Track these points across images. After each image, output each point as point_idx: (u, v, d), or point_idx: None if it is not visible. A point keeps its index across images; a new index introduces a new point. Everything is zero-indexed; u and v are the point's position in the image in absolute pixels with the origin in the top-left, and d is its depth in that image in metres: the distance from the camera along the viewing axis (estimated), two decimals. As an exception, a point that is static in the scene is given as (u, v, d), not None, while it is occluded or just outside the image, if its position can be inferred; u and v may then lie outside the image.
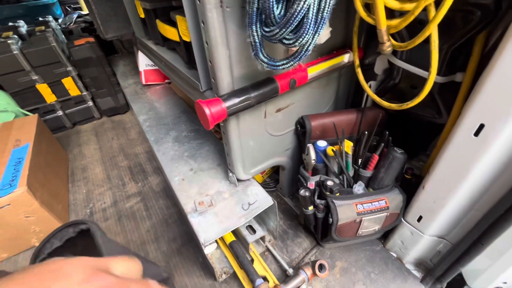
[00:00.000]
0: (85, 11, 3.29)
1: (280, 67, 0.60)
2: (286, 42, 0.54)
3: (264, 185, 1.41)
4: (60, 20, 2.68)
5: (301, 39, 0.52)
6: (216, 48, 0.66)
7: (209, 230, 0.89)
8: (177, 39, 0.98)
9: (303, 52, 0.57)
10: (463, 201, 0.78)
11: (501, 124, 0.60)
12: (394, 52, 0.86)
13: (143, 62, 1.77)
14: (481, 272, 0.88)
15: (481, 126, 0.63)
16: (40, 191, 1.20)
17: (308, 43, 0.54)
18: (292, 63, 0.59)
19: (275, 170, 1.46)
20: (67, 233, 0.40)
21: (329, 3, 0.50)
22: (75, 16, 2.68)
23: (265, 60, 0.60)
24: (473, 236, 0.78)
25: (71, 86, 1.90)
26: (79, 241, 0.40)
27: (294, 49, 0.59)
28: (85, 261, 0.28)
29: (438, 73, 0.77)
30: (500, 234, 0.73)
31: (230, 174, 1.02)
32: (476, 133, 0.64)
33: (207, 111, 0.66)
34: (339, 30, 0.92)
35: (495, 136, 0.62)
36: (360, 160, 0.98)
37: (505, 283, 0.88)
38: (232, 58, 0.70)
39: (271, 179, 1.44)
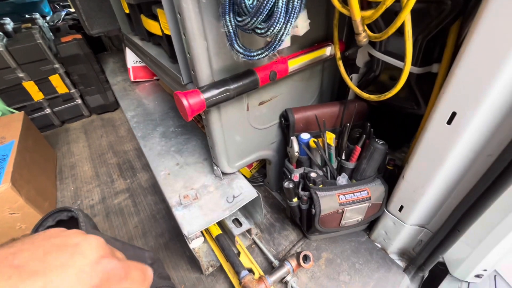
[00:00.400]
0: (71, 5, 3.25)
1: (256, 57, 0.61)
2: (259, 31, 0.55)
3: (252, 179, 1.42)
4: (48, 18, 2.64)
5: (272, 28, 0.53)
6: (194, 39, 0.67)
7: (193, 222, 0.90)
8: (159, 33, 0.98)
9: (276, 42, 0.57)
10: (440, 190, 0.80)
11: (472, 112, 0.61)
12: (373, 44, 0.87)
13: (131, 58, 1.76)
14: (462, 260, 0.91)
15: (453, 114, 0.64)
16: (26, 188, 1.19)
17: (281, 32, 0.55)
18: (267, 53, 0.60)
19: (263, 165, 1.47)
20: (61, 215, 0.44)
21: (299, -7, 0.51)
22: (63, 13, 2.65)
23: (240, 50, 0.61)
24: (450, 223, 0.80)
25: (58, 83, 1.89)
26: (72, 226, 0.42)
27: (269, 39, 0.59)
28: (99, 241, 0.29)
29: (415, 64, 0.78)
30: (475, 220, 0.75)
31: (215, 167, 1.03)
32: (449, 122, 0.66)
33: (185, 102, 0.66)
34: (320, 23, 0.93)
35: (466, 124, 0.63)
36: (343, 152, 0.99)
37: (485, 270, 0.91)
38: (210, 50, 0.70)
39: (259, 174, 1.45)
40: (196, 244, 1.11)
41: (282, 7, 0.50)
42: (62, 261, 0.25)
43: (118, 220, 1.31)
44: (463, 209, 0.74)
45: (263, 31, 0.54)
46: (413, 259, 1.03)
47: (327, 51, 0.96)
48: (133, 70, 1.80)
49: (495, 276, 1.03)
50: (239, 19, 0.55)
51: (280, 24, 0.52)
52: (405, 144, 1.14)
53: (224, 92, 0.72)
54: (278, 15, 0.51)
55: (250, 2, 0.53)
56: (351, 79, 0.98)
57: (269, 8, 0.50)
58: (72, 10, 2.95)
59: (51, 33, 2.19)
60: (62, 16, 2.57)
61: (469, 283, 0.98)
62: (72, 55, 1.81)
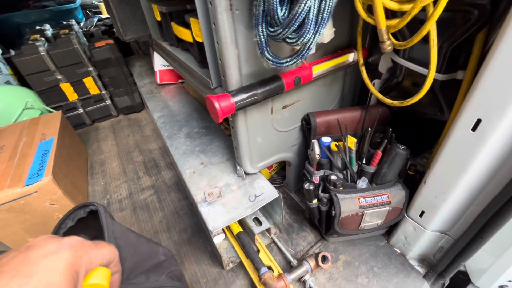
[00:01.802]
0: (105, 15, 3.46)
1: (284, 64, 0.65)
2: (289, 41, 0.59)
3: (271, 181, 1.46)
4: (82, 24, 2.83)
5: (302, 38, 0.57)
6: (226, 47, 0.72)
7: (217, 219, 0.95)
8: (190, 40, 1.05)
9: (305, 50, 0.61)
10: (463, 196, 0.80)
11: (497, 119, 0.62)
12: (397, 51, 0.89)
13: (158, 62, 1.86)
14: (485, 270, 0.89)
15: (478, 121, 0.65)
16: (64, 181, 1.29)
17: (310, 42, 0.59)
18: (295, 60, 0.64)
19: (282, 167, 1.50)
20: (78, 214, 0.45)
21: (329, 5, 0.54)
22: (95, 19, 2.83)
23: (270, 58, 0.65)
24: (473, 230, 0.79)
25: (91, 85, 2.02)
26: (91, 222, 0.46)
27: (297, 47, 0.63)
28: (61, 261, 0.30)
29: (439, 71, 0.79)
30: (499, 227, 0.74)
31: (238, 167, 1.07)
32: (474, 128, 0.67)
33: (216, 105, 0.72)
34: (344, 30, 0.96)
35: (491, 131, 0.64)
36: (363, 156, 1.01)
37: (510, 281, 0.89)
38: (240, 57, 0.76)
39: (278, 175, 1.48)
40: (217, 241, 1.16)
41: (312, 19, 0.54)
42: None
43: (144, 215, 1.39)
44: (487, 216, 0.74)
45: (294, 40, 0.58)
46: (433, 265, 1.02)
47: (350, 57, 0.98)
48: (160, 73, 1.90)
49: (521, 288, 1.00)
50: (271, 29, 0.59)
51: (310, 34, 0.56)
52: (426, 150, 1.14)
53: (252, 96, 0.77)
54: (309, 26, 0.55)
55: (282, 14, 0.57)
56: (373, 85, 0.99)
57: (301, 20, 0.54)
58: (103, 16, 3.14)
59: (84, 38, 2.35)
60: (95, 22, 2.75)
61: (493, 293, 0.96)
62: (104, 59, 1.93)
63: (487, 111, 0.63)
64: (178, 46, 1.33)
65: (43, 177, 1.18)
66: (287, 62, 0.64)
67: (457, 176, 0.76)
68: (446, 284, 1.02)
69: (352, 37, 0.99)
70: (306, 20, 0.54)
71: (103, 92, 2.11)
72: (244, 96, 0.76)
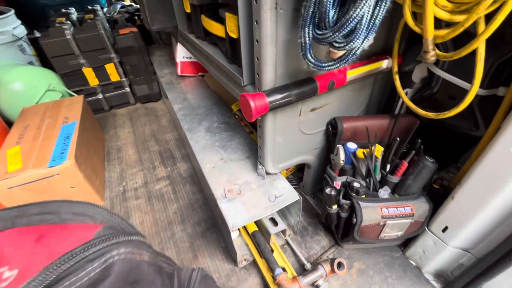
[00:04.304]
0: (127, 2, 3.46)
1: (326, 68, 0.64)
2: (336, 45, 0.58)
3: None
4: (105, 10, 2.85)
5: (351, 44, 0.55)
6: (266, 46, 0.71)
7: (237, 216, 0.95)
8: (222, 34, 1.04)
9: (350, 55, 0.60)
10: (493, 216, 0.78)
11: (544, 141, 0.60)
12: (436, 62, 0.87)
13: (181, 54, 1.86)
14: (504, 291, 0.87)
15: (522, 141, 0.63)
16: (84, 165, 1.31)
17: (357, 47, 0.58)
18: (338, 65, 0.63)
19: (299, 168, 1.49)
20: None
21: (382, 12, 0.53)
22: (118, 6, 2.85)
23: (312, 60, 0.64)
24: (501, 251, 0.78)
25: (112, 71, 2.04)
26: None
27: (340, 52, 0.62)
28: None
29: (481, 86, 0.77)
30: (530, 252, 0.72)
31: (260, 166, 1.07)
32: (516, 148, 0.65)
33: (252, 104, 0.71)
34: (381, 36, 0.94)
35: (535, 153, 0.62)
36: (388, 166, 0.99)
37: (529, 305, 0.87)
38: (278, 56, 0.75)
39: (294, 177, 1.47)
40: (232, 237, 1.16)
41: (365, 24, 0.53)
42: None
43: (159, 205, 1.40)
44: (518, 239, 0.72)
45: (342, 45, 0.57)
46: (450, 282, 1.00)
47: (384, 64, 0.96)
48: (182, 65, 1.90)
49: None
50: (319, 32, 0.58)
51: (359, 40, 0.55)
52: (452, 164, 1.11)
53: (287, 97, 0.76)
54: (360, 32, 0.54)
55: (332, 16, 0.56)
56: (406, 94, 0.97)
57: (353, 25, 0.53)
58: (126, 3, 3.15)
59: (108, 24, 2.37)
60: (118, 9, 2.77)
61: (509, 315, 0.94)
62: (127, 46, 1.94)
63: (534, 132, 0.61)
64: (205, 40, 1.33)
65: (66, 160, 1.19)
66: (329, 66, 0.63)
67: (490, 195, 0.74)
68: (462, 302, 1.00)
69: (387, 43, 0.97)
70: (358, 26, 0.53)
71: (123, 79, 2.13)
72: (278, 96, 0.75)
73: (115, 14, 2.63)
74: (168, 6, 1.46)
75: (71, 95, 1.95)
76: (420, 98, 0.99)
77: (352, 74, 0.89)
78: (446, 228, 0.91)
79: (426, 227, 0.98)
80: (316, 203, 1.35)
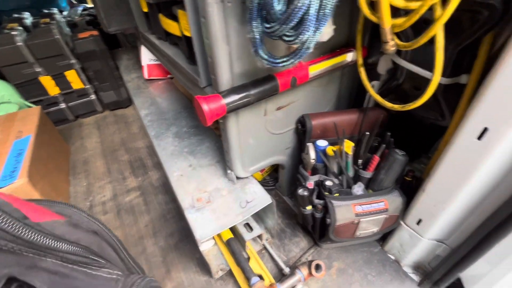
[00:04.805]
0: (91, 4, 3.29)
1: (280, 65, 0.59)
2: (287, 39, 0.53)
3: (263, 183, 1.41)
4: (65, 13, 2.68)
5: (301, 36, 0.51)
6: (216, 44, 0.65)
7: (205, 226, 0.89)
8: (178, 33, 0.97)
9: (303, 49, 0.56)
10: (464, 206, 0.77)
11: (506, 129, 0.58)
12: (398, 52, 0.84)
13: (146, 56, 1.77)
14: (480, 278, 0.87)
15: (485, 130, 0.62)
16: (41, 183, 1.20)
17: (309, 40, 0.53)
18: (292, 60, 0.58)
19: (275, 169, 1.45)
20: None
21: (331, 1, 0.49)
22: (80, 8, 2.68)
23: (265, 57, 0.59)
24: (473, 241, 0.77)
25: (74, 79, 1.91)
26: None
27: (295, 46, 0.58)
28: None
29: (443, 75, 0.75)
30: (500, 240, 0.71)
31: (229, 171, 1.02)
32: (480, 137, 0.63)
33: (205, 107, 0.65)
34: (343, 28, 0.90)
35: (499, 141, 0.60)
36: (360, 161, 0.97)
37: (504, 290, 0.87)
38: (232, 55, 0.69)
39: (271, 177, 1.43)
40: (205, 247, 1.11)
41: (313, 14, 0.49)
42: None
43: (129, 218, 1.31)
44: (487, 229, 0.71)
45: (292, 38, 0.52)
46: (428, 273, 0.99)
47: (348, 57, 0.93)
48: (148, 68, 1.80)
49: (513, 295, 0.99)
50: (267, 25, 0.53)
51: (309, 32, 0.50)
52: (423, 155, 1.11)
53: (245, 98, 0.71)
54: (309, 23, 0.49)
55: (280, 8, 0.51)
56: (372, 87, 0.95)
57: (300, 16, 0.48)
58: (89, 5, 2.98)
59: (68, 28, 2.22)
60: (79, 12, 2.60)
61: (486, 301, 0.94)
62: (88, 51, 1.82)
63: (495, 120, 0.59)
64: (167, 40, 1.25)
65: (17, 179, 1.09)
66: (283, 62, 0.59)
67: (458, 186, 0.73)
68: (440, 293, 1.00)
69: (350, 35, 0.94)
70: (305, 16, 0.48)
71: (87, 86, 2.00)
72: (236, 97, 0.70)
73: (77, 17, 2.47)
74: (125, 5, 1.37)
75: (30, 107, 1.80)
76: (387, 90, 0.97)
77: (315, 69, 0.85)
78: (420, 220, 0.90)
79: (401, 221, 0.97)
80: (294, 204, 1.31)
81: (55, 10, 2.28)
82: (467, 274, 0.92)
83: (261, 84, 0.74)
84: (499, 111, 0.58)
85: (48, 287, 0.34)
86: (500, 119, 0.58)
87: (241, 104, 0.71)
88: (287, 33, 0.52)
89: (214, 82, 0.74)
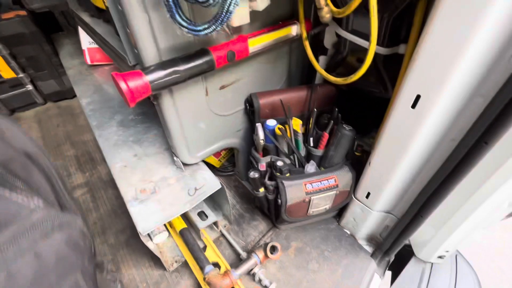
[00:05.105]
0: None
1: (202, 32, 0.53)
2: (201, 0, 0.47)
3: (222, 169, 1.36)
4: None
5: (215, -4, 0.44)
6: (131, 11, 0.57)
7: (149, 219, 0.82)
8: (103, 6, 0.86)
9: (224, 13, 0.49)
10: (404, 176, 0.78)
11: (436, 94, 0.58)
12: (340, 23, 0.81)
13: (86, 39, 1.58)
14: (427, 242, 0.92)
15: (418, 97, 0.61)
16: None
17: (228, 2, 0.47)
18: (214, 27, 0.52)
19: (233, 154, 1.40)
20: None
21: (245, -48, 0.43)
22: (8, -14, 2.34)
23: (184, 24, 0.52)
24: (414, 209, 0.79)
25: (2, 67, 1.67)
26: None
27: (214, 10, 0.51)
28: None
29: (381, 44, 0.74)
30: (438, 205, 0.74)
31: (175, 158, 0.95)
32: (413, 105, 0.62)
33: (123, 85, 0.57)
34: (285, -2, 0.85)
35: (430, 107, 0.60)
36: (311, 139, 0.95)
37: (447, 251, 0.93)
38: (153, 25, 0.61)
39: (229, 163, 1.38)
40: (160, 239, 1.04)
41: (224, -31, 0.42)
42: None
43: (75, 217, 1.20)
44: (426, 195, 0.73)
45: (209, 1, 0.46)
46: (380, 244, 1.03)
47: (293, 30, 0.88)
48: (89, 52, 1.62)
49: (456, 255, 1.06)
50: (176, -17, 0.46)
51: (224, -9, 0.44)
52: (374, 129, 1.12)
53: (173, 74, 0.64)
54: (220, -21, 0.43)
55: (188, -38, 0.44)
56: (318, 61, 0.92)
57: (207, -31, 0.41)
58: (20, -17, 2.61)
59: (-9, 9, 1.92)
60: (7, -10, 2.27)
61: (432, 264, 1.00)
62: (15, 34, 1.59)
63: (426, 87, 0.59)
64: (100, 17, 1.11)
65: None
66: (205, 29, 0.52)
67: (399, 156, 0.73)
68: (391, 261, 1.04)
69: (294, 7, 0.89)
70: (215, -30, 0.42)
71: (21, 75, 1.77)
72: (161, 73, 0.63)
73: (3, -4, 2.15)
74: (48, -22, 1.19)
75: None
76: (335, 64, 0.94)
77: (256, 43, 0.79)
78: (368, 194, 0.91)
79: (353, 196, 0.98)
80: (253, 188, 1.28)
81: (-28, -13, 1.95)
82: (415, 240, 0.97)
83: (192, 59, 0.67)
84: (428, 77, 0.57)
85: None
86: (430, 85, 0.57)
87: (169, 82, 0.64)
88: (200, -7, 0.46)
89: (138, 58, 0.66)
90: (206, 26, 0.52)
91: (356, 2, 0.57)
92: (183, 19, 0.52)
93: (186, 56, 0.67)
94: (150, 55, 0.64)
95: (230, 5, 0.48)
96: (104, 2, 0.81)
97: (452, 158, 0.62)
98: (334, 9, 0.63)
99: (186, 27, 0.53)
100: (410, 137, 0.67)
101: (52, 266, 0.38)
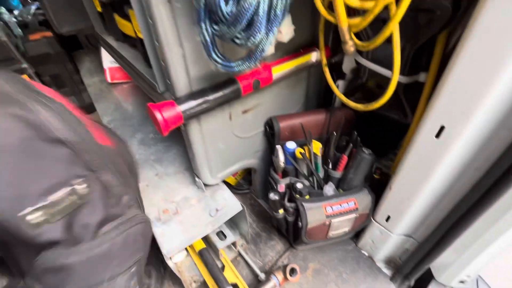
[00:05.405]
0: None
1: (236, 69, 0.56)
2: (238, 41, 0.50)
3: (237, 187, 1.38)
4: (16, 12, 2.45)
5: (252, 39, 0.48)
6: (167, 47, 0.61)
7: (173, 240, 0.84)
8: (133, 35, 0.91)
9: (258, 52, 0.53)
10: (427, 201, 0.78)
11: (461, 126, 0.59)
12: (360, 51, 0.84)
13: (107, 59, 1.66)
14: (448, 266, 0.90)
15: (442, 128, 0.62)
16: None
17: (263, 42, 0.50)
18: (248, 64, 0.55)
19: (249, 171, 1.42)
20: None
21: (282, 1, 0.46)
22: (33, 7, 2.46)
23: (219, 60, 0.56)
24: (437, 235, 0.78)
25: (27, 85, 1.74)
26: None
27: (249, 48, 0.54)
28: None
29: (402, 73, 0.76)
30: (462, 232, 0.74)
31: (197, 179, 0.97)
32: (437, 135, 0.64)
33: (158, 116, 0.60)
34: (306, 27, 0.89)
35: (455, 138, 0.61)
36: (330, 161, 0.96)
37: (469, 276, 0.91)
38: (187, 58, 0.65)
39: (245, 181, 1.40)
40: (178, 259, 1.05)
41: (263, 15, 0.46)
42: None
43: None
44: (450, 222, 0.73)
45: (243, 41, 0.49)
46: (399, 267, 1.02)
47: (313, 56, 0.92)
48: (110, 71, 1.69)
49: (477, 280, 1.04)
50: (216, 27, 0.49)
51: (261, 34, 0.47)
52: (391, 151, 1.13)
53: (203, 104, 0.67)
54: (259, 24, 0.46)
55: (228, 9, 0.47)
56: (337, 86, 0.94)
57: (249, 17, 0.45)
58: (44, 4, 2.76)
59: (19, 29, 2.03)
60: (32, 11, 2.39)
61: (453, 288, 0.98)
62: (41, 54, 1.68)
63: (451, 119, 0.60)
64: (125, 42, 1.17)
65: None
66: (238, 66, 0.55)
67: (421, 182, 0.74)
68: (411, 285, 1.02)
69: (314, 34, 0.92)
70: (255, 17, 0.45)
71: (44, 92, 1.84)
72: (193, 103, 0.66)
73: (29, 16, 2.27)
74: (78, 4, 1.26)
75: (-24, 117, 1.63)
76: (353, 89, 0.97)
77: (279, 70, 0.82)
78: (389, 217, 0.91)
79: (372, 218, 0.98)
80: (269, 206, 1.29)
81: (2, 9, 2.07)
82: (435, 264, 0.95)
83: (221, 88, 0.70)
84: (454, 109, 0.58)
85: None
86: (455, 117, 0.59)
87: (200, 111, 0.67)
88: (238, 35, 0.49)
89: (171, 87, 0.69)
90: (239, 63, 0.55)
91: (381, 39, 0.59)
92: (218, 57, 0.56)
93: (214, 86, 0.70)
94: (181, 85, 0.68)
95: (264, 45, 0.51)
96: (135, 32, 0.86)
97: (477, 188, 0.63)
98: (359, 42, 0.65)
99: (220, 64, 0.56)
100: (432, 166, 0.68)
101: (132, 243, 0.62)
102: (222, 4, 0.46)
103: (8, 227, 0.42)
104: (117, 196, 0.59)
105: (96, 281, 0.55)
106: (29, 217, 0.43)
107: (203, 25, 0.51)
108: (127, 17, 0.96)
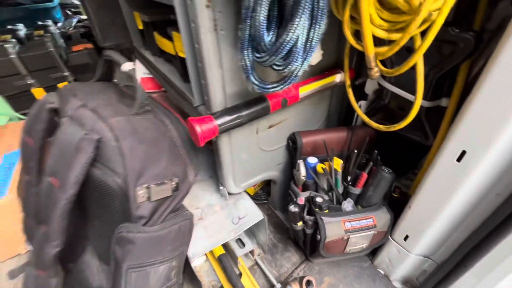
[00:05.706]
0: (85, 15, 3.31)
1: (270, 90, 0.62)
2: (276, 68, 0.56)
3: (255, 197, 1.42)
4: (59, 24, 2.69)
5: (290, 66, 0.54)
6: (209, 69, 0.68)
7: (197, 244, 0.89)
8: (173, 52, 1.00)
9: (292, 77, 0.59)
10: (447, 223, 0.80)
11: (482, 152, 0.62)
12: (384, 75, 0.89)
13: (141, 70, 1.78)
14: (466, 292, 0.90)
15: (463, 153, 0.65)
16: (30, 198, 1.18)
17: (297, 69, 0.56)
18: (282, 86, 0.61)
19: (267, 182, 1.47)
20: None
21: (317, 34, 0.52)
22: (75, 20, 2.70)
23: (256, 82, 0.62)
24: (457, 258, 0.79)
25: (67, 91, 1.90)
26: None
27: (285, 74, 0.61)
28: None
29: (424, 98, 0.79)
30: (482, 257, 0.74)
31: (221, 187, 1.03)
32: (459, 159, 0.66)
33: (198, 129, 0.67)
34: (331, 51, 0.95)
35: (476, 163, 0.64)
36: (349, 177, 1.00)
37: (489, 303, 0.90)
38: (225, 78, 0.72)
39: (263, 191, 1.45)
40: (197, 263, 1.10)
41: (300, 47, 0.52)
42: None
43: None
44: (471, 245, 0.74)
45: (281, 68, 0.55)
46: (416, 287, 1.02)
47: (337, 78, 0.97)
48: (143, 81, 1.81)
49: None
50: (258, 55, 0.56)
51: (298, 62, 0.54)
52: (410, 171, 1.14)
53: (237, 119, 0.73)
54: (297, 55, 0.52)
55: (269, 39, 0.54)
56: (359, 106, 0.99)
57: (288, 48, 0.51)
58: (84, 17, 3.00)
59: (62, 40, 2.23)
60: (74, 23, 2.62)
61: (472, 314, 0.97)
62: (82, 64, 1.83)
63: (472, 144, 0.63)
64: (161, 57, 1.28)
65: (6, 195, 1.07)
66: (273, 87, 0.62)
67: (441, 204, 0.76)
68: (428, 307, 1.01)
69: (339, 57, 0.98)
70: (294, 48, 0.52)
71: (80, 98, 1.99)
72: (228, 118, 0.72)
73: (71, 29, 2.48)
74: (120, 22, 1.39)
75: (22, 119, 1.79)
76: (374, 109, 1.01)
77: (305, 90, 0.88)
78: (407, 236, 0.92)
79: (389, 237, 0.99)
80: (286, 218, 1.32)
81: (49, 22, 2.29)
82: (454, 287, 0.95)
83: (253, 105, 0.76)
84: (475, 135, 0.61)
85: None
86: (477, 143, 0.62)
87: (234, 125, 0.74)
88: (277, 63, 0.55)
89: (207, 102, 0.76)
90: (275, 85, 0.62)
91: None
92: (255, 79, 0.62)
93: (247, 103, 0.77)
94: (218, 101, 0.75)
95: (299, 71, 0.57)
96: (175, 51, 0.95)
97: (499, 213, 0.65)
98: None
99: (257, 85, 0.62)
100: (453, 189, 0.71)
101: (182, 235, 0.75)
102: (265, 36, 0.52)
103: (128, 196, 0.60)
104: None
105: (148, 262, 0.65)
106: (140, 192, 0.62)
107: (245, 52, 0.58)
108: (167, 36, 1.06)
